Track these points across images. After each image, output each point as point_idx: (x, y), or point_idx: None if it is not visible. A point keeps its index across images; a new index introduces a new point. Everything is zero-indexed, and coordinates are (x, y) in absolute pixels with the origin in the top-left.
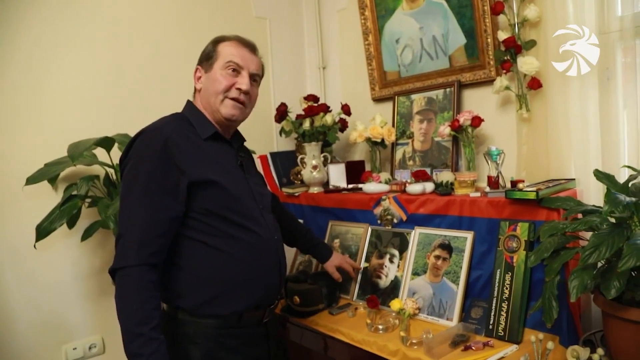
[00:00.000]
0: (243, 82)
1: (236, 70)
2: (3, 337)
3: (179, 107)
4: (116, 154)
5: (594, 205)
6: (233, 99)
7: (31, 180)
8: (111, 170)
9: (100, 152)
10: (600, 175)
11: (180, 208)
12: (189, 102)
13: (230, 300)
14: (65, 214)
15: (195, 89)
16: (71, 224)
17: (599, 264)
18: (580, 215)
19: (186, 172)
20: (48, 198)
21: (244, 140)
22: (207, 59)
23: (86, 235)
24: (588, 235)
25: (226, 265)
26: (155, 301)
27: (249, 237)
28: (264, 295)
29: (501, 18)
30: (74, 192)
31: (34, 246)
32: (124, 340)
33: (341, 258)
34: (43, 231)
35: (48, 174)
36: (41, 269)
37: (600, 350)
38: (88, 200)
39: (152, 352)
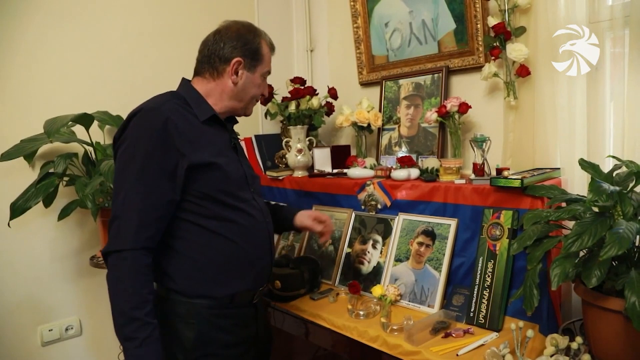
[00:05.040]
0: (267, 89)
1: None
2: None
3: (161, 85)
4: (95, 131)
5: (578, 195)
6: (256, 100)
7: (6, 156)
8: (90, 149)
9: (79, 130)
10: (585, 164)
11: (177, 191)
12: (186, 81)
13: (224, 283)
14: (41, 192)
15: (217, 74)
16: (47, 203)
17: (581, 253)
18: (564, 204)
19: (186, 154)
20: (24, 175)
21: (236, 122)
22: (252, 57)
23: (63, 214)
24: (571, 224)
25: (221, 248)
26: (150, 285)
27: (244, 220)
28: (256, 277)
29: (492, 4)
30: (51, 170)
31: (8, 224)
32: (117, 323)
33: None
34: (18, 209)
35: (24, 150)
36: (16, 248)
37: (579, 339)
38: (66, 178)
39: (147, 336)
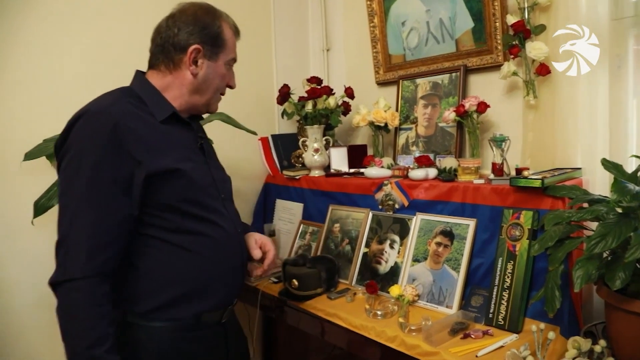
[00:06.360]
0: (234, 80)
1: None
2: None
3: None
4: None
5: (600, 195)
6: (221, 94)
7: (29, 156)
8: None
9: None
10: (608, 164)
11: (135, 205)
12: (140, 74)
13: (190, 302)
14: None
15: (174, 66)
16: None
17: (604, 255)
18: (586, 205)
19: (143, 162)
20: (46, 174)
21: (202, 118)
22: (213, 43)
23: None
24: (593, 225)
25: (187, 264)
26: (109, 316)
27: (212, 231)
28: (226, 294)
29: (510, 1)
30: None
31: (32, 222)
32: None
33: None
34: (41, 207)
35: (46, 149)
36: (38, 246)
37: (602, 342)
38: None
39: None
